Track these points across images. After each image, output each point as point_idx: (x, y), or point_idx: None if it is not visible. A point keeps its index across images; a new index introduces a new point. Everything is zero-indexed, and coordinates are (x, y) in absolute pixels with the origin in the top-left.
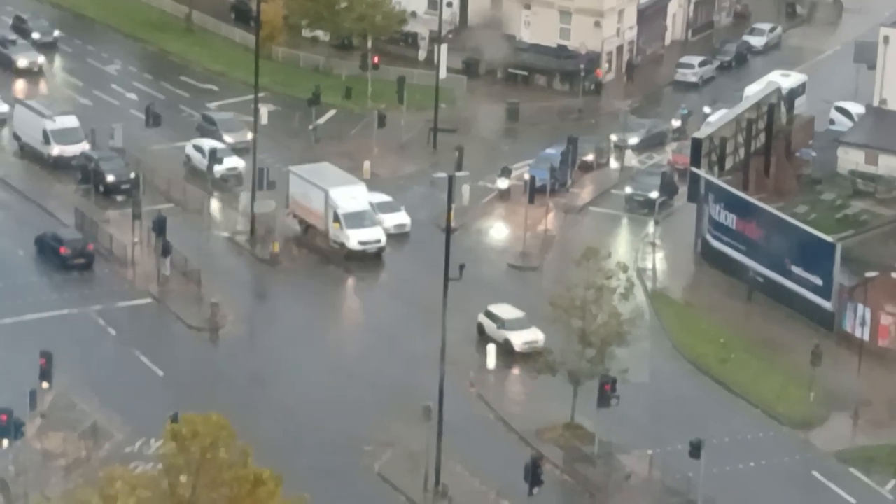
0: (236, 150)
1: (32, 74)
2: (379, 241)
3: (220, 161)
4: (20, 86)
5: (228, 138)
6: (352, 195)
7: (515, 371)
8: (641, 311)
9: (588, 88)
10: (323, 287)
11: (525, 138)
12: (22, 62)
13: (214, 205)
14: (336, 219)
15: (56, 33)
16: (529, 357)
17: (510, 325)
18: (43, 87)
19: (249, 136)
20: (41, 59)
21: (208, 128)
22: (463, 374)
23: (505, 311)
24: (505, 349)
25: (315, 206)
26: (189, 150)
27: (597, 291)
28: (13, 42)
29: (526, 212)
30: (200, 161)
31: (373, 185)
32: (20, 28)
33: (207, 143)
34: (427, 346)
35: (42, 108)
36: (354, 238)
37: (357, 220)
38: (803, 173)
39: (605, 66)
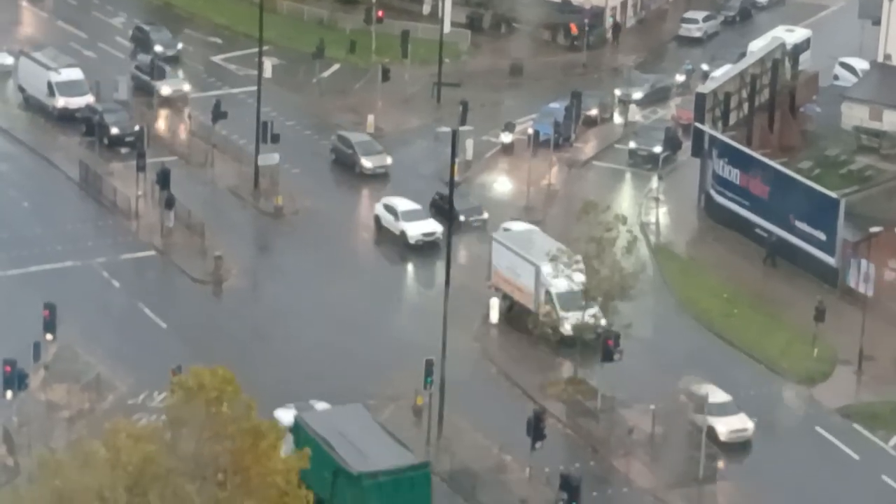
0: (376, 175)
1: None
2: (597, 324)
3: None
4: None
5: (366, 163)
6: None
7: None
8: (644, 266)
9: (589, 43)
10: (326, 240)
11: (529, 93)
12: (165, 90)
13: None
14: (549, 300)
15: (179, 46)
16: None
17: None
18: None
19: (389, 160)
20: (186, 86)
21: (344, 150)
22: (467, 329)
23: (401, 203)
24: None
25: (523, 282)
26: (379, 210)
27: (597, 245)
28: (157, 68)
29: (529, 166)
30: (392, 223)
31: (377, 139)
32: (140, 40)
33: (400, 204)
34: (432, 300)
35: (47, 60)
36: (567, 320)
37: (572, 300)
38: (808, 129)
39: (610, 19)
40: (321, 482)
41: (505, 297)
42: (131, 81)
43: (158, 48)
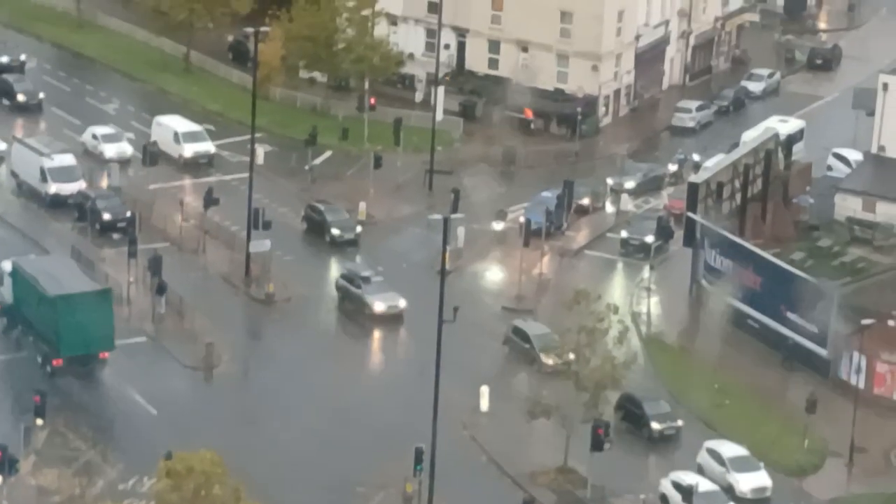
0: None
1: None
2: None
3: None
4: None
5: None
6: None
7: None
8: (635, 356)
9: (582, 131)
10: (317, 328)
11: (521, 181)
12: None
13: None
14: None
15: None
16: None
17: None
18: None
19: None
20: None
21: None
22: (456, 416)
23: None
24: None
25: None
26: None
27: (589, 334)
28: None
29: (521, 255)
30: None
31: (368, 227)
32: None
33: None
34: (421, 388)
35: (40, 146)
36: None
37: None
38: (800, 220)
39: (603, 109)
40: (30, 308)
41: None
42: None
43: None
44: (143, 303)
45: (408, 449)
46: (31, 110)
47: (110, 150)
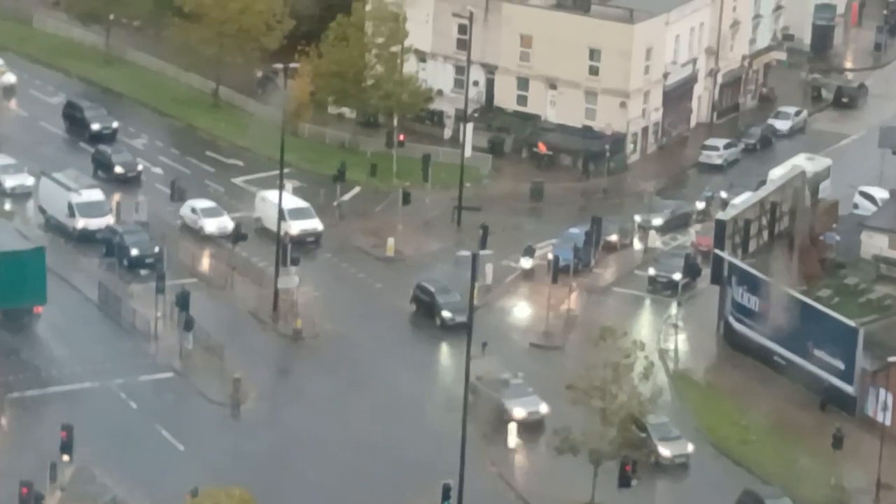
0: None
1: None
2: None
3: None
4: None
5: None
6: None
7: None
8: (662, 392)
9: (610, 168)
10: (345, 364)
11: (549, 218)
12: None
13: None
14: None
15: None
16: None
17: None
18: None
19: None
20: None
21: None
22: (484, 452)
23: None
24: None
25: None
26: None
27: (615, 371)
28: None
29: (549, 291)
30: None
31: (396, 263)
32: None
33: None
34: (449, 423)
35: (68, 181)
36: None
37: None
38: (827, 257)
39: (631, 146)
40: None
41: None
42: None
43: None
44: (170, 338)
45: (435, 485)
46: (129, 182)
47: (211, 226)
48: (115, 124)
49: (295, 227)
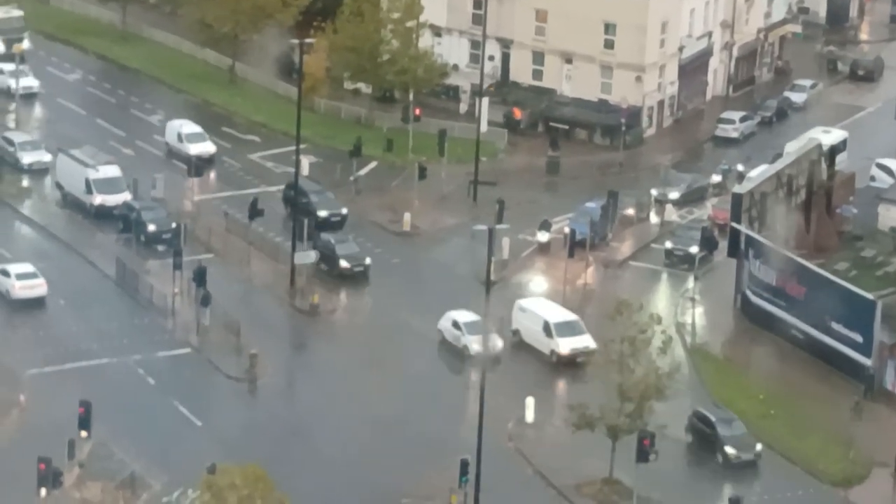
0: None
1: None
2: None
3: None
4: None
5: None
6: None
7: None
8: (679, 366)
9: (626, 142)
10: (362, 338)
11: (565, 192)
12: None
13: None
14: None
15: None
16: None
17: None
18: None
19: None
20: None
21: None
22: (502, 427)
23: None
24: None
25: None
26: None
27: (632, 345)
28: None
29: (566, 266)
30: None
31: (413, 238)
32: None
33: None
34: (466, 399)
35: (85, 157)
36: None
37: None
38: (844, 230)
39: (647, 120)
40: None
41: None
42: None
43: None
44: (187, 314)
45: (453, 460)
46: (355, 279)
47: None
48: (343, 210)
49: (564, 346)
